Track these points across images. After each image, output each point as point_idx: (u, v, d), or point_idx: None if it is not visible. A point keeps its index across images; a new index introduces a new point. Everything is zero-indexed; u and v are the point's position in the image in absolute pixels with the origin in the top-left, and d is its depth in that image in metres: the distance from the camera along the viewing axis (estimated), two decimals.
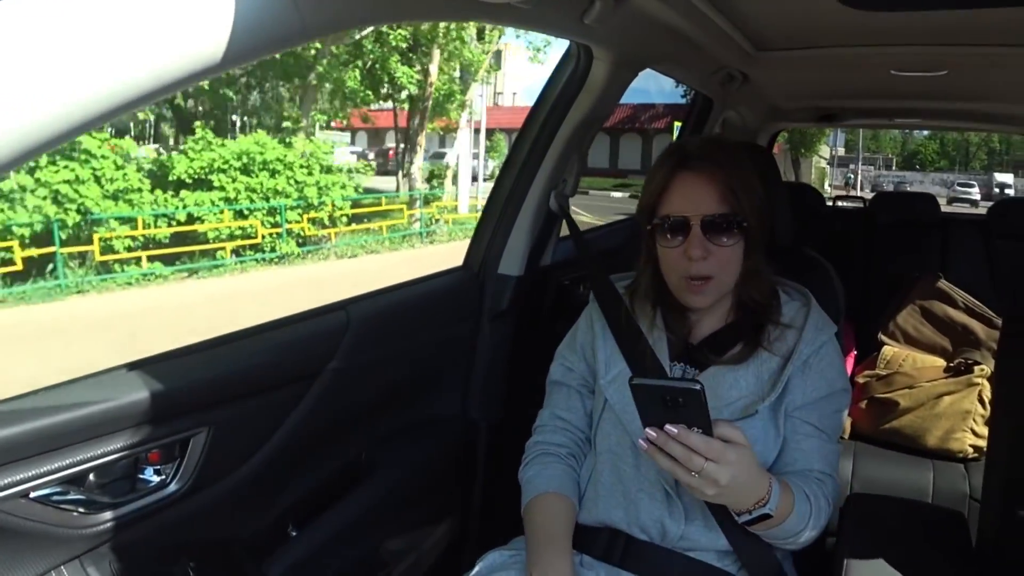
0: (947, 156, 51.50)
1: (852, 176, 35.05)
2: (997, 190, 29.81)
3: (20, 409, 0.99)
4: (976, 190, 30.00)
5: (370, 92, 17.04)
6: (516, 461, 1.37)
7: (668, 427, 1.00)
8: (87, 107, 0.62)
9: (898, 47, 1.82)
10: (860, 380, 2.34)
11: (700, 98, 2.57)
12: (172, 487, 1.15)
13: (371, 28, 13.61)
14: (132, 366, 1.13)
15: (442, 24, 14.09)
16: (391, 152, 26.81)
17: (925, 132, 47.75)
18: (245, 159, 12.50)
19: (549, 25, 1.36)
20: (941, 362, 2.31)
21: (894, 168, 45.93)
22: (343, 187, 13.58)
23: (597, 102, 1.65)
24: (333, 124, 22.15)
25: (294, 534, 1.40)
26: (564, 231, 1.85)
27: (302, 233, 12.89)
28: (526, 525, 1.27)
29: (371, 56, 15.81)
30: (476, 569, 1.28)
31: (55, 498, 1.02)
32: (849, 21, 1.56)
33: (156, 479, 1.14)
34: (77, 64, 0.60)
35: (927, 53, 1.84)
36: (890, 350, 2.39)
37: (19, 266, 9.72)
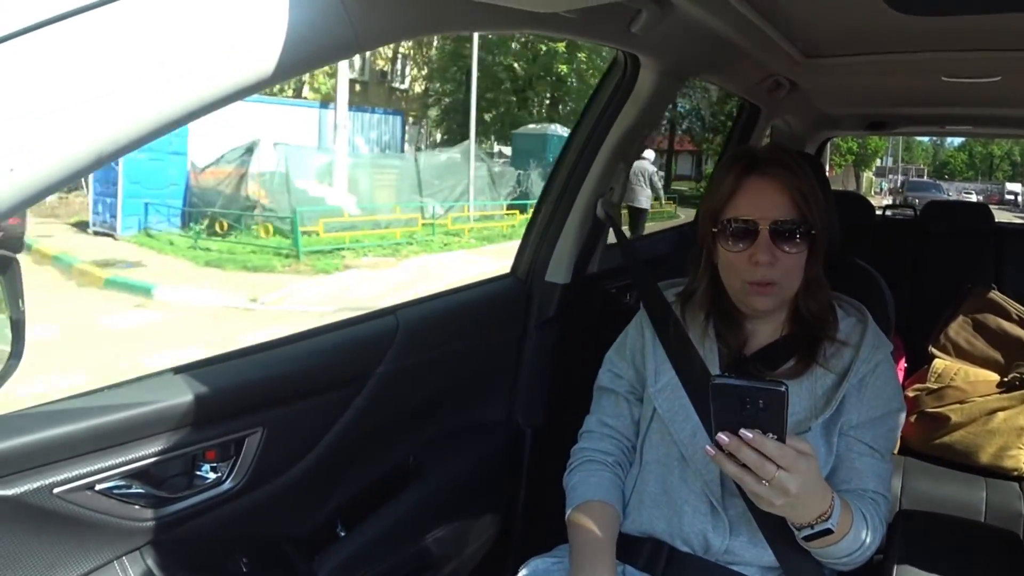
0: (974, 167, 57.73)
1: (893, 183, 41.54)
2: (1010, 196, 37.12)
3: (87, 407, 1.03)
4: (974, 195, 36.01)
5: None
6: (561, 467, 1.38)
7: (743, 432, 0.97)
8: (141, 122, 0.64)
9: (949, 52, 1.78)
10: (910, 394, 2.29)
11: (747, 106, 2.55)
12: (227, 484, 1.18)
13: None
14: (191, 367, 1.17)
15: None
16: None
17: (955, 144, 56.85)
18: None
19: (597, 34, 1.37)
20: (994, 376, 2.25)
21: (925, 177, 50.45)
22: None
23: (644, 111, 1.65)
24: None
25: (342, 534, 1.42)
26: (611, 239, 1.85)
27: None
28: (570, 533, 1.27)
29: None
30: (520, 575, 1.29)
31: (118, 491, 1.06)
32: (899, 26, 1.54)
33: (212, 476, 1.18)
34: (130, 80, 0.62)
35: (979, 58, 1.81)
36: (941, 363, 2.33)
37: None
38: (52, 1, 0.60)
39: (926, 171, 56.09)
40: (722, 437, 0.98)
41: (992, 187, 43.22)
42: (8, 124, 0.56)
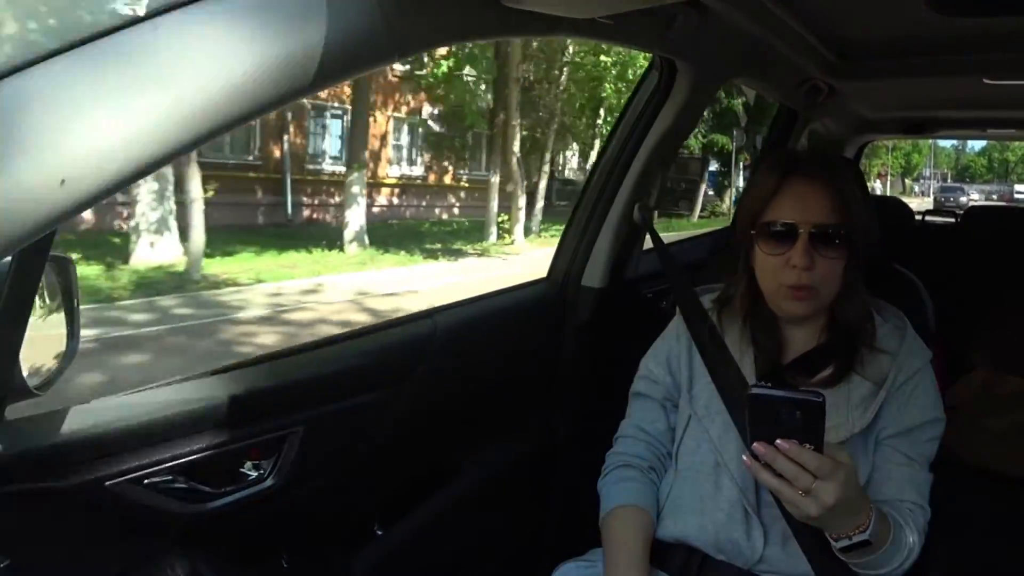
0: (993, 170, 65.92)
1: (924, 187, 53.27)
2: (1018, 196, 41.01)
3: (137, 403, 1.07)
4: (976, 195, 40.93)
5: None
6: (596, 471, 1.38)
7: (780, 442, 0.95)
8: (183, 131, 0.65)
9: (991, 54, 1.75)
10: (951, 403, 2.25)
11: (784, 110, 2.53)
12: (269, 481, 1.20)
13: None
14: (235, 367, 1.20)
15: None
16: None
17: (976, 149, 66.38)
18: None
19: (633, 39, 1.38)
20: None
21: (949, 180, 58.86)
22: None
23: (680, 115, 1.65)
24: None
25: (379, 533, 1.44)
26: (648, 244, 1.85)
27: None
28: (604, 538, 1.26)
29: None
30: None
31: (165, 486, 1.09)
32: (938, 28, 1.52)
33: (255, 473, 1.20)
34: (171, 91, 0.64)
35: (1022, 60, 1.78)
36: (983, 372, 2.29)
37: None
38: (95, 16, 0.62)
39: (950, 175, 64.64)
40: (758, 447, 0.97)
41: (1004, 188, 48.88)
42: (58, 138, 0.58)
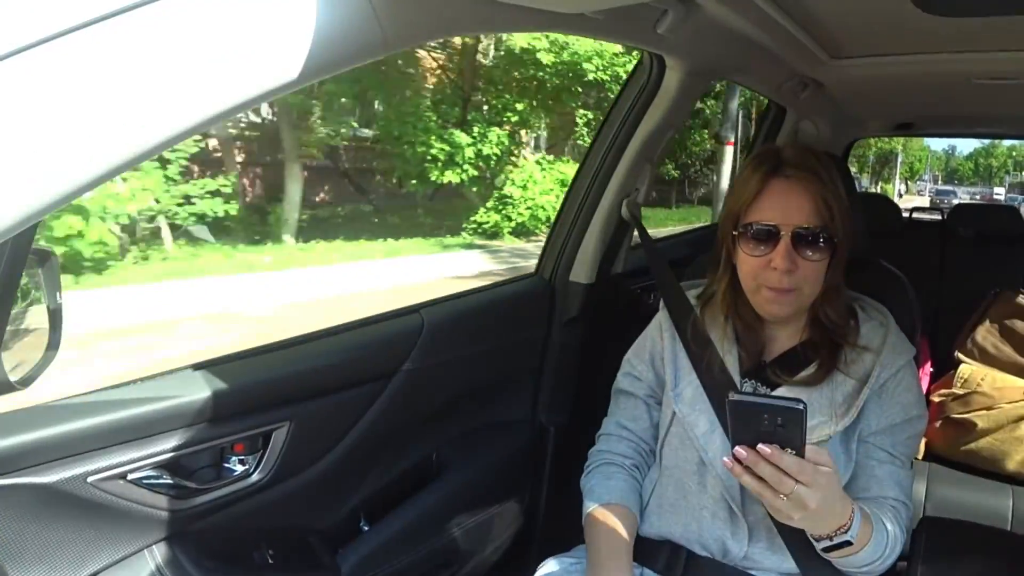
0: (978, 174, 74.92)
1: (919, 188, 61.35)
2: (997, 197, 45.54)
3: (121, 399, 1.06)
4: (967, 197, 44.87)
5: None
6: (582, 467, 1.38)
7: (761, 447, 0.96)
8: (169, 122, 0.64)
9: (980, 54, 1.76)
10: (935, 399, 2.26)
11: (773, 107, 2.54)
12: (255, 477, 1.20)
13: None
14: (221, 361, 1.19)
15: None
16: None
17: (964, 154, 75.44)
18: None
19: (623, 35, 1.37)
20: (1022, 383, 2.22)
21: (939, 183, 67.03)
22: None
23: (669, 112, 1.65)
24: None
25: (366, 528, 1.44)
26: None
27: None
28: (587, 535, 1.26)
29: None
30: (537, 575, 1.28)
31: (149, 481, 1.08)
32: (927, 27, 1.52)
33: (240, 469, 1.20)
34: (158, 83, 0.63)
35: (1011, 59, 1.78)
36: (967, 368, 2.29)
37: None
38: (78, 6, 0.61)
39: (940, 177, 73.17)
40: (739, 451, 0.98)
41: (986, 190, 55.19)
42: (42, 129, 0.57)
